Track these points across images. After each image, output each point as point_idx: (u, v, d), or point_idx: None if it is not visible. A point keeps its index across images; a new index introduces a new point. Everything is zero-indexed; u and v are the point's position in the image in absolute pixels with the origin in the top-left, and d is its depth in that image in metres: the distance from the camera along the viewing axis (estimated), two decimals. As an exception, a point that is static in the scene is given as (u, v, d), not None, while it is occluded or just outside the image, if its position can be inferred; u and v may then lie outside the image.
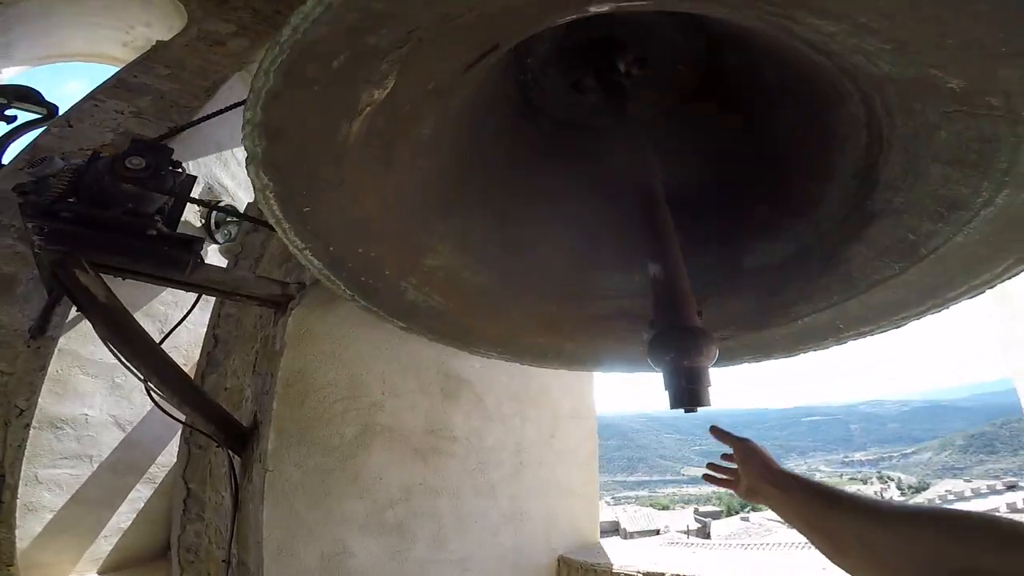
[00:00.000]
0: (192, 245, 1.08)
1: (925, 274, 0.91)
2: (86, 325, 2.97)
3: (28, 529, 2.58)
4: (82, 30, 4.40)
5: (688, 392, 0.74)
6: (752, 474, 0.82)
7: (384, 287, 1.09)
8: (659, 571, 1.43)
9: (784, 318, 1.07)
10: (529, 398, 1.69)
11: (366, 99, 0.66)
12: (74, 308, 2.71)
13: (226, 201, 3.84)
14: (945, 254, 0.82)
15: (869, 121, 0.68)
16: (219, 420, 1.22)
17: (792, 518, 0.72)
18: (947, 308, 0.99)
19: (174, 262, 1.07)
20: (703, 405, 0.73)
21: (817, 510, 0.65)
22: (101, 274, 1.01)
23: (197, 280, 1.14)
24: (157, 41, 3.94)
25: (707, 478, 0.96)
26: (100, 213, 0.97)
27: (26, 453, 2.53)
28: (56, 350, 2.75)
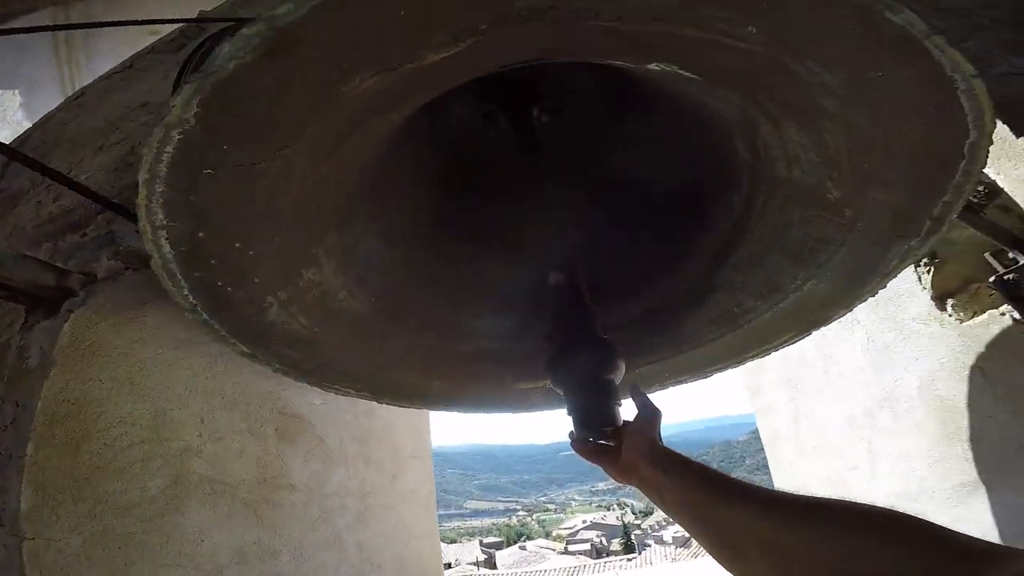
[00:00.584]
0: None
1: (736, 339, 1.17)
2: None
3: None
4: None
5: (603, 407, 0.73)
6: (635, 449, 0.67)
7: (245, 298, 0.87)
8: None
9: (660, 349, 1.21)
10: (373, 438, 1.51)
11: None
12: None
13: None
14: (755, 326, 1.09)
15: (744, 213, 0.88)
16: None
17: (675, 509, 0.60)
18: (741, 365, 1.29)
19: None
20: (616, 424, 0.70)
21: (708, 500, 0.54)
22: None
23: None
24: None
25: (579, 449, 0.77)
26: None
27: None
28: None
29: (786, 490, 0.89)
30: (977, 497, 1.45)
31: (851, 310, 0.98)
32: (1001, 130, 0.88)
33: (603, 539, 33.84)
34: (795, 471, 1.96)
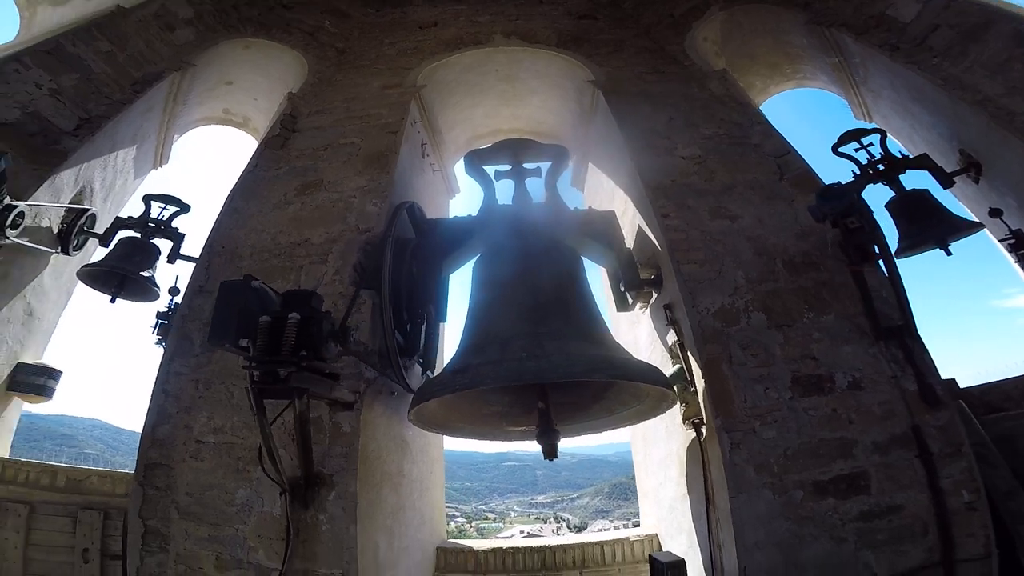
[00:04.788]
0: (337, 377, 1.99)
1: (610, 419, 2.62)
2: None
3: None
4: None
5: (549, 450, 2.12)
6: None
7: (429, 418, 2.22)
8: (498, 546, 2.78)
9: (579, 420, 2.60)
10: (425, 449, 2.89)
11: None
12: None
13: (91, 207, 3.67)
14: (618, 416, 2.52)
15: (605, 391, 2.32)
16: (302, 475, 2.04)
17: None
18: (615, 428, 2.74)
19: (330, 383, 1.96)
20: (556, 457, 2.08)
21: None
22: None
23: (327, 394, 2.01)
24: (117, 6, 3.63)
25: None
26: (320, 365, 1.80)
27: None
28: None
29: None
30: None
31: (651, 418, 2.44)
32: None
33: (535, 550, 35.08)
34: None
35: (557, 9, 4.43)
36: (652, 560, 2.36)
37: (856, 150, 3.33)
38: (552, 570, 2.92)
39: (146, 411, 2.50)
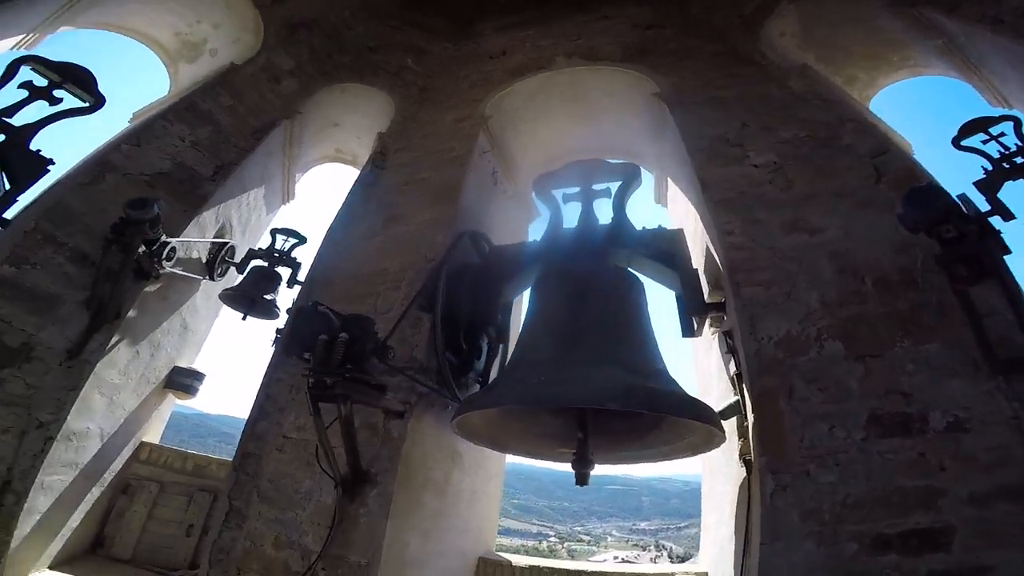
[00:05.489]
0: (385, 389, 2.24)
1: (666, 449, 2.51)
2: (116, 353, 3.42)
3: (20, 531, 2.84)
4: (153, 10, 4.43)
5: (581, 477, 2.12)
6: None
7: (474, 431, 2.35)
8: (536, 564, 2.82)
9: (634, 448, 2.54)
10: (480, 463, 3.03)
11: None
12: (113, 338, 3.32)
13: (230, 241, 4.48)
14: (677, 447, 2.41)
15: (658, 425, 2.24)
16: (350, 472, 2.32)
17: None
18: (667, 459, 2.61)
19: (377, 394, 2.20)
20: (586, 484, 2.07)
21: None
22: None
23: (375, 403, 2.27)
24: (231, 63, 4.34)
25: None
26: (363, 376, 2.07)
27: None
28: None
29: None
30: None
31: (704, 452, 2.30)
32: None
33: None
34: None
35: (621, 23, 4.37)
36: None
37: (984, 142, 2.80)
38: (587, 596, 2.84)
39: (250, 409, 2.99)
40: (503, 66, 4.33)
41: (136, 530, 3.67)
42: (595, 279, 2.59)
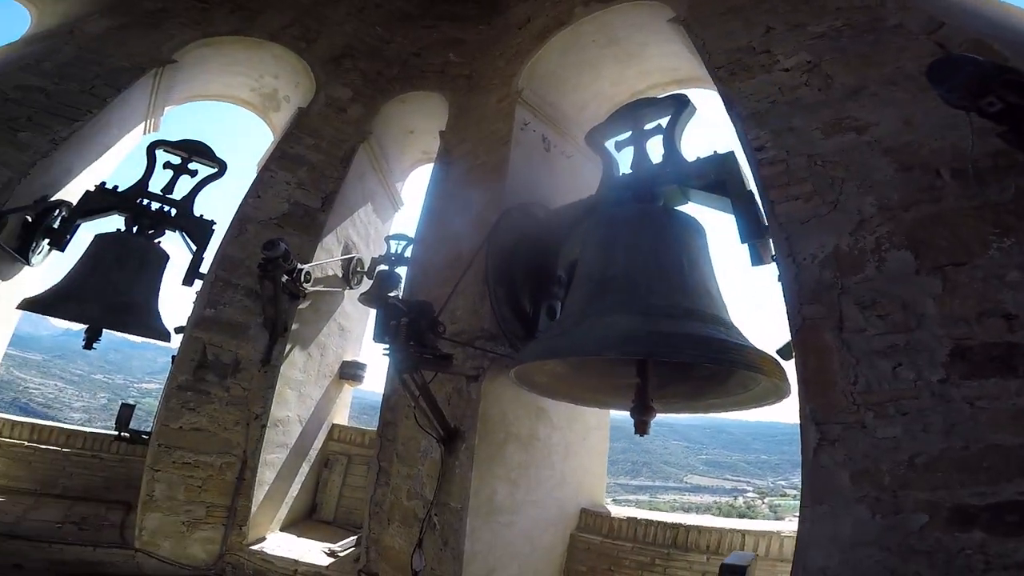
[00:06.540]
0: (451, 357, 2.61)
1: (734, 399, 2.36)
2: (293, 357, 4.46)
3: (256, 498, 3.82)
4: (224, 76, 5.31)
5: (640, 425, 2.18)
6: None
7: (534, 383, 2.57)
8: (633, 515, 2.94)
9: (690, 400, 2.50)
10: (573, 417, 3.23)
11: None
12: (287, 346, 4.24)
13: (355, 255, 5.38)
14: (743, 397, 2.27)
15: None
16: (441, 429, 2.77)
17: None
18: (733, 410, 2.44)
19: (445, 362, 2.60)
20: (647, 433, 2.12)
21: None
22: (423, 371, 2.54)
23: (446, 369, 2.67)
24: (299, 108, 5.04)
25: None
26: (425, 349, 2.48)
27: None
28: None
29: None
30: None
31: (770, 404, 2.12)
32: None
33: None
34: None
35: (631, -44, 3.90)
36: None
37: None
38: (681, 549, 2.81)
39: (384, 384, 3.68)
40: (529, 34, 4.28)
41: (335, 495, 4.84)
42: (649, 223, 2.55)
